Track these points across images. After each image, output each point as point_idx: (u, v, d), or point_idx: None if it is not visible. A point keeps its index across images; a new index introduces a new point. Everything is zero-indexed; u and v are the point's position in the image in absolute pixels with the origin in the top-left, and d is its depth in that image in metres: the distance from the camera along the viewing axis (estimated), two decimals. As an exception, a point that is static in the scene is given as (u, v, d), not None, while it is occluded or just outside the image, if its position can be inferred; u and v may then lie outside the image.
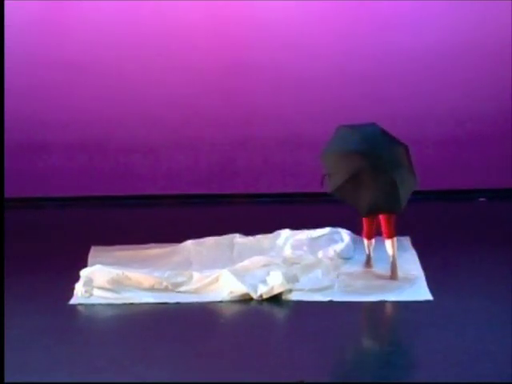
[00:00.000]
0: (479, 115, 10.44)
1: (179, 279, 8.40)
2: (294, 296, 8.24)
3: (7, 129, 10.37)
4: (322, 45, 10.36)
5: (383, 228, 8.45)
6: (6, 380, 6.71)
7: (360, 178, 8.07)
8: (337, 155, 8.25)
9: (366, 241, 8.68)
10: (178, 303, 8.15)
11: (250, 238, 9.21)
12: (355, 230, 9.06)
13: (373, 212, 8.32)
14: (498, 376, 6.81)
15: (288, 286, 8.26)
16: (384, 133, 8.31)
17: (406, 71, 10.40)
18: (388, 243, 8.49)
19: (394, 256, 8.50)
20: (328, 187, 8.21)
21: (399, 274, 8.52)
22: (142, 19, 10.31)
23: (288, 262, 8.64)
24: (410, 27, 10.31)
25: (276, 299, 8.19)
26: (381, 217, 8.42)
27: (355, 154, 8.11)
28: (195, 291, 8.31)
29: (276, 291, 8.20)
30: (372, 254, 8.73)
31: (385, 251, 8.54)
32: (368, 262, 8.74)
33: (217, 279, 8.36)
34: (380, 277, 8.53)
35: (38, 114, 10.48)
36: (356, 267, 8.76)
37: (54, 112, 10.50)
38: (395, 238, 8.51)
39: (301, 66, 10.38)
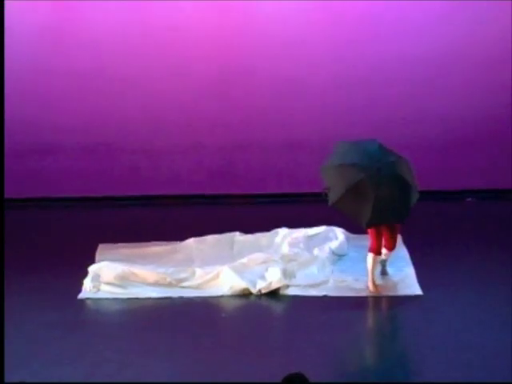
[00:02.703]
0: (466, 122, 10.43)
1: (182, 275, 8.42)
2: (291, 291, 8.26)
3: (18, 132, 10.36)
4: (319, 53, 10.32)
5: (385, 241, 8.22)
6: (20, 370, 6.75)
7: (359, 191, 7.86)
8: (336, 169, 8.05)
9: (373, 256, 8.19)
10: (181, 298, 8.17)
11: (250, 236, 9.20)
12: (349, 228, 9.07)
13: (374, 224, 8.03)
14: (483, 365, 6.86)
15: (285, 282, 8.29)
16: (383, 148, 8.11)
17: (399, 80, 10.37)
18: (385, 253, 8.35)
19: (386, 260, 8.42)
20: (329, 200, 7.99)
21: (390, 272, 8.52)
22: (147, 29, 10.26)
23: (285, 259, 8.65)
24: (402, 38, 10.28)
25: (274, 294, 8.21)
26: (384, 229, 8.17)
27: (354, 167, 7.93)
28: (197, 286, 8.32)
29: (274, 286, 8.22)
30: (387, 265, 8.45)
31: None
32: (372, 276, 8.27)
33: (218, 275, 8.38)
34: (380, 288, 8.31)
35: (47, 118, 10.43)
36: (350, 264, 8.73)
37: (63, 116, 10.45)
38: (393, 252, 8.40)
39: (299, 72, 10.35)
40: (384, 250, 8.29)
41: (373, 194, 7.83)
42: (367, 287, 8.23)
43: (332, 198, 7.98)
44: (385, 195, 7.86)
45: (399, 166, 8.02)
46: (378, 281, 8.33)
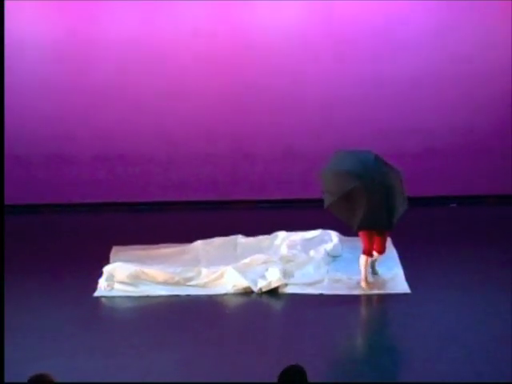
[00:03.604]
0: (449, 134, 10.44)
1: (189, 274, 8.43)
2: (289, 289, 8.27)
3: (41, 144, 10.39)
4: (314, 73, 10.35)
5: (376, 245, 8.23)
6: (39, 362, 6.74)
7: (353, 197, 7.86)
8: (333, 174, 8.04)
9: (365, 258, 8.23)
10: (188, 295, 8.19)
11: (251, 239, 9.21)
12: (343, 231, 9.08)
13: (363, 228, 8.05)
14: (467, 358, 6.87)
15: (284, 281, 8.31)
16: (378, 158, 8.10)
17: (388, 96, 10.37)
18: (376, 255, 8.36)
19: (375, 260, 8.45)
20: (324, 203, 8.03)
21: (380, 272, 8.55)
22: (159, 47, 10.28)
23: (284, 260, 8.68)
24: (389, 59, 10.31)
25: (274, 292, 8.22)
26: (374, 234, 8.17)
27: (350, 174, 7.91)
28: (203, 285, 8.34)
29: (274, 285, 8.24)
30: (376, 266, 8.48)
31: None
32: (365, 275, 8.31)
33: (222, 275, 8.39)
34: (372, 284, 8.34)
35: (64, 130, 10.46)
36: (344, 264, 8.74)
37: (79, 129, 10.48)
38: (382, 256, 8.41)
39: (295, 90, 10.36)
40: (375, 253, 8.33)
41: (365, 200, 7.85)
42: (360, 285, 8.25)
43: (327, 201, 8.02)
44: (375, 203, 7.88)
45: (391, 176, 8.03)
46: (370, 279, 8.37)
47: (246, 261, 8.58)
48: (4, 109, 9.90)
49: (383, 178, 7.94)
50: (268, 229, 9.31)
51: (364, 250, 8.22)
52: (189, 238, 9.22)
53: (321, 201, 8.12)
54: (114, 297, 8.20)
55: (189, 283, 8.37)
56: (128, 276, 8.36)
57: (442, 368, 6.70)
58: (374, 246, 8.24)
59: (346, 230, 8.86)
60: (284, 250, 8.86)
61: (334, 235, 9.16)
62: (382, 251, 8.33)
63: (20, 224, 10.07)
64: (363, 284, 8.25)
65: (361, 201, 7.85)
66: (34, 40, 10.20)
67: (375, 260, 8.48)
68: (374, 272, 8.54)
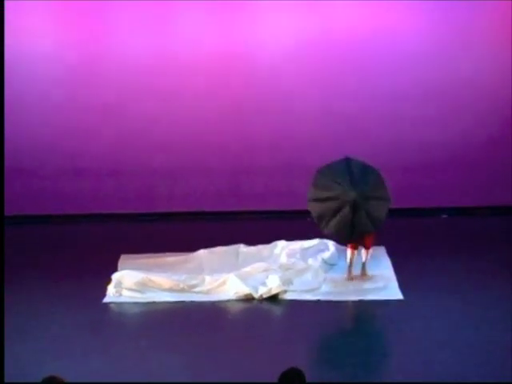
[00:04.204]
0: (441, 146, 10.45)
1: (193, 282, 8.43)
2: (289, 296, 8.27)
3: (58, 158, 10.43)
4: (313, 88, 10.36)
5: (364, 241, 8.38)
6: (50, 365, 6.76)
7: (340, 217, 8.04)
8: (318, 203, 8.24)
9: (349, 251, 8.50)
10: (192, 301, 8.18)
11: (252, 248, 9.20)
12: (339, 241, 9.05)
13: (353, 241, 8.34)
14: (459, 362, 6.89)
15: (283, 288, 8.31)
16: (355, 165, 8.20)
17: (382, 110, 10.37)
18: (363, 252, 8.52)
19: (365, 262, 8.56)
20: (320, 228, 8.30)
21: (374, 277, 8.56)
22: (166, 66, 10.32)
23: (283, 268, 8.66)
24: (386, 74, 10.33)
25: (274, 299, 8.22)
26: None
27: (334, 199, 8.06)
28: (207, 292, 8.34)
29: (274, 292, 8.24)
30: (366, 267, 8.63)
31: (359, 258, 8.59)
32: (350, 267, 8.60)
33: (224, 282, 8.39)
34: (357, 278, 8.53)
35: (74, 144, 10.49)
36: (340, 272, 8.73)
37: (89, 143, 10.50)
38: (371, 249, 8.53)
39: (293, 104, 10.38)
40: (362, 250, 8.43)
41: (351, 220, 8.01)
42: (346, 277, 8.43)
43: (321, 226, 8.28)
44: (361, 219, 8.03)
45: (372, 179, 8.16)
46: (354, 273, 8.45)
47: (248, 269, 8.59)
48: (4, 118, 9.89)
49: (364, 185, 8.07)
50: (268, 238, 9.30)
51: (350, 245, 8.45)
52: (193, 247, 9.21)
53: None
54: (122, 303, 8.19)
55: (193, 290, 8.37)
56: (135, 283, 8.36)
57: (435, 370, 6.72)
58: (364, 242, 8.39)
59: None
60: (283, 259, 8.85)
61: (330, 244, 9.14)
62: (368, 246, 8.45)
63: (32, 234, 10.09)
64: (346, 275, 8.43)
65: (347, 221, 8.03)
66: (45, 56, 10.21)
67: (365, 262, 8.55)
68: (364, 273, 8.57)
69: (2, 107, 9.82)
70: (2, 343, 6.85)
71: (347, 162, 8.31)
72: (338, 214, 8.05)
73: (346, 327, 7.75)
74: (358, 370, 6.83)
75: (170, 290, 8.38)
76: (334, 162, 8.42)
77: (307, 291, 8.34)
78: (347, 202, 8.00)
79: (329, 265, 8.94)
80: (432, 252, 9.25)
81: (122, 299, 8.24)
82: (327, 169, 8.37)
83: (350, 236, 8.24)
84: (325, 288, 8.42)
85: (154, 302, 8.18)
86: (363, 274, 8.61)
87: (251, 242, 9.31)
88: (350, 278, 8.53)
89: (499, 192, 10.39)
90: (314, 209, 8.28)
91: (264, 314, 8.10)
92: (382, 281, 8.51)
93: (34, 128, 10.38)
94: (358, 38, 10.24)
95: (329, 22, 10.22)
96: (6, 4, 9.69)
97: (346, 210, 7.99)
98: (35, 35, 10.17)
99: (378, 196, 8.19)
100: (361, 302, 8.16)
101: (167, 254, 9.25)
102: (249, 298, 8.24)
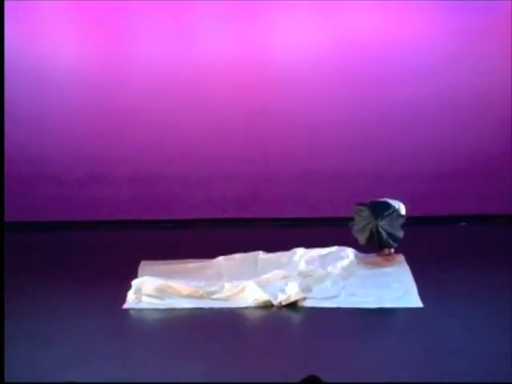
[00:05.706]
0: (459, 154, 10.42)
1: (212, 288, 8.39)
2: (308, 303, 8.22)
3: (79, 165, 10.47)
4: (329, 96, 10.36)
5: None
6: (70, 371, 6.73)
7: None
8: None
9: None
10: (211, 308, 8.15)
11: (271, 255, 9.18)
12: (358, 248, 9.09)
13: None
14: (478, 371, 6.78)
15: (303, 295, 8.26)
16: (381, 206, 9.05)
17: (400, 119, 10.37)
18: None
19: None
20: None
21: (394, 286, 8.54)
22: (183, 74, 10.37)
23: (302, 275, 8.63)
24: (400, 85, 10.30)
25: (293, 306, 8.17)
26: None
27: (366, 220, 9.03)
28: (226, 298, 8.31)
29: (293, 299, 8.19)
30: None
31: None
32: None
33: (243, 289, 8.35)
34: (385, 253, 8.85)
35: (96, 152, 10.53)
36: (359, 280, 8.72)
37: (109, 150, 10.54)
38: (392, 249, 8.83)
39: (311, 113, 10.38)
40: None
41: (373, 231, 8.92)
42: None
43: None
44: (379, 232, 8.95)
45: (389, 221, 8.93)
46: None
47: (267, 276, 8.54)
48: (4, 120, 9.89)
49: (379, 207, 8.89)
50: (287, 245, 9.27)
51: None
52: (212, 254, 9.20)
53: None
54: (141, 309, 8.15)
55: (212, 297, 8.34)
56: (155, 289, 8.33)
57: (456, 380, 6.62)
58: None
59: (361, 247, 8.83)
60: (302, 266, 8.81)
61: (349, 252, 9.11)
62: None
63: (53, 240, 10.10)
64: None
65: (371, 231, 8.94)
66: (67, 64, 10.28)
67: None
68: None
69: (2, 107, 9.81)
70: (2, 343, 6.80)
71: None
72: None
73: (365, 334, 7.63)
74: (377, 379, 6.73)
75: (189, 296, 8.34)
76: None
77: (326, 299, 8.29)
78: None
79: (348, 272, 8.89)
80: (451, 260, 9.19)
81: (141, 305, 8.21)
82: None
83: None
84: (344, 296, 8.37)
85: (173, 309, 8.15)
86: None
87: (270, 248, 9.28)
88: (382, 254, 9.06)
89: (518, 200, 10.35)
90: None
91: (283, 321, 8.04)
92: (401, 289, 8.45)
93: (58, 135, 10.42)
94: (376, 48, 10.24)
95: (347, 32, 10.22)
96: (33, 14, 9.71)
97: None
98: (60, 48, 10.20)
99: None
100: (380, 309, 8.10)
101: (187, 260, 9.24)
102: (268, 305, 8.19)
